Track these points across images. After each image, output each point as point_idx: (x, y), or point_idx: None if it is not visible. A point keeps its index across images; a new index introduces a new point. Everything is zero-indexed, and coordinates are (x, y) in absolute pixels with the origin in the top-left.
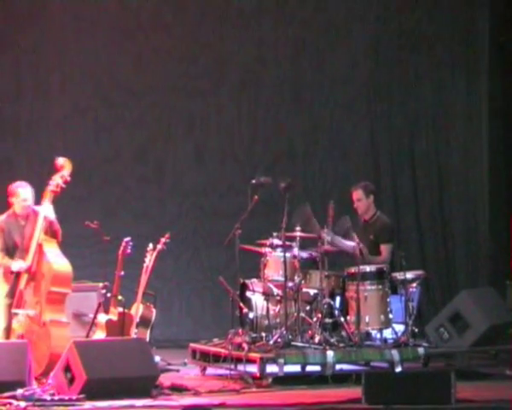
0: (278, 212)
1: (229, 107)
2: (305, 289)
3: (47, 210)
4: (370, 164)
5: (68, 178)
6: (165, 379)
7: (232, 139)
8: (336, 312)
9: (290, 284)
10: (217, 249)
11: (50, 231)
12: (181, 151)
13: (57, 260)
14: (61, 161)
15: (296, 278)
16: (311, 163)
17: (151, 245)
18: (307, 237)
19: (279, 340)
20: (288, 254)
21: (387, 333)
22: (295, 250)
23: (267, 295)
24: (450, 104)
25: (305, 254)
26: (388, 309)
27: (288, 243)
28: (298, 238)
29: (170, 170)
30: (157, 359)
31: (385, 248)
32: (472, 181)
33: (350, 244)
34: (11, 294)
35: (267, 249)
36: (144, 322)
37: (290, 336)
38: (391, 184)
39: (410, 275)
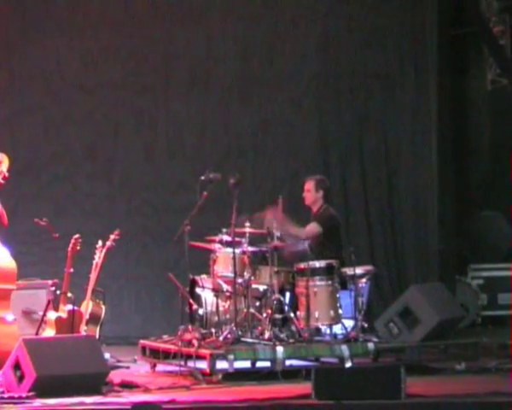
0: (227, 208)
1: (178, 103)
2: (254, 285)
3: None
4: (320, 160)
5: (6, 174)
6: (115, 376)
7: (181, 136)
8: (286, 307)
9: (240, 280)
10: (166, 246)
11: None
12: (130, 148)
13: (0, 257)
14: None
15: (246, 274)
16: (260, 159)
17: (100, 242)
18: (257, 233)
19: (229, 336)
20: (237, 250)
21: (337, 328)
22: (245, 246)
23: (217, 291)
24: (399, 99)
25: (254, 250)
26: (338, 305)
27: (237, 239)
28: (247, 234)
29: (119, 167)
30: (107, 356)
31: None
32: (421, 176)
33: (298, 230)
34: None
35: (216, 246)
36: (94, 319)
37: (240, 333)
38: (340, 180)
39: (359, 270)
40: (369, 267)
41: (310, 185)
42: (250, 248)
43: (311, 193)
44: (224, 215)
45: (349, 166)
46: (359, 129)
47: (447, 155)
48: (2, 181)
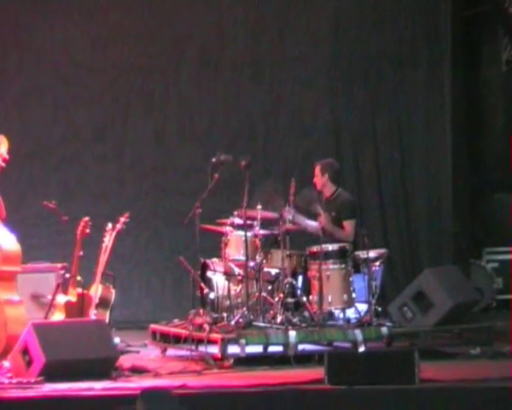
0: (239, 190)
1: (189, 85)
2: (266, 269)
3: None
4: (332, 141)
5: (6, 156)
6: (125, 361)
7: (192, 118)
8: (298, 291)
9: (251, 263)
10: (177, 229)
11: None
12: (140, 130)
13: (4, 240)
14: None
15: (257, 257)
16: (271, 141)
17: (110, 225)
18: (269, 217)
19: (240, 320)
20: (249, 234)
21: (350, 313)
22: (256, 229)
23: (228, 274)
24: (412, 80)
25: (266, 233)
26: (351, 288)
27: (249, 221)
28: (259, 217)
29: (129, 149)
30: (117, 340)
31: (348, 224)
32: (434, 158)
33: (312, 224)
34: None
35: (228, 229)
36: (103, 303)
37: (252, 317)
38: (353, 162)
39: (372, 254)
40: (382, 251)
41: (317, 170)
42: (262, 231)
43: (319, 177)
44: (235, 198)
45: (362, 148)
46: (372, 110)
47: (461, 136)
48: (2, 164)
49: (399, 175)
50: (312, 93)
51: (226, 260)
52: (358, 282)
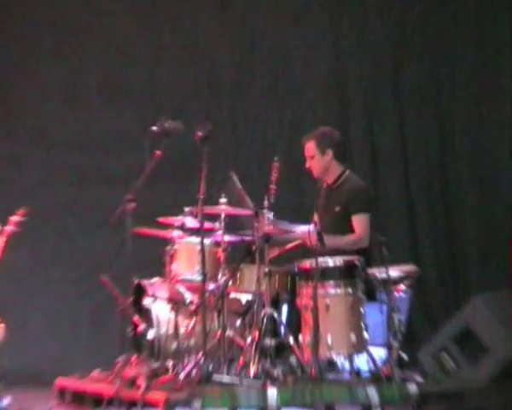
0: (192, 176)
1: (117, 17)
2: (233, 295)
3: None
4: (334, 102)
5: None
6: None
7: (123, 66)
8: (282, 328)
9: (211, 285)
10: (98, 233)
11: None
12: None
13: None
14: None
15: (221, 276)
16: (243, 103)
17: None
18: (238, 215)
19: (194, 372)
20: (207, 241)
21: (361, 361)
22: (219, 234)
23: (176, 302)
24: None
25: (234, 241)
26: (362, 324)
27: (207, 223)
28: (223, 216)
29: (27, 114)
30: (5, 402)
31: (358, 221)
32: (488, 141)
33: (302, 228)
34: None
35: (175, 233)
36: None
37: (211, 367)
38: (364, 137)
39: (395, 272)
40: (409, 268)
41: (310, 147)
42: (228, 238)
43: (316, 159)
44: (187, 187)
45: (379, 118)
46: (394, 61)
47: None
48: None
49: (438, 155)
50: (307, 24)
51: (172, 281)
52: (373, 315)
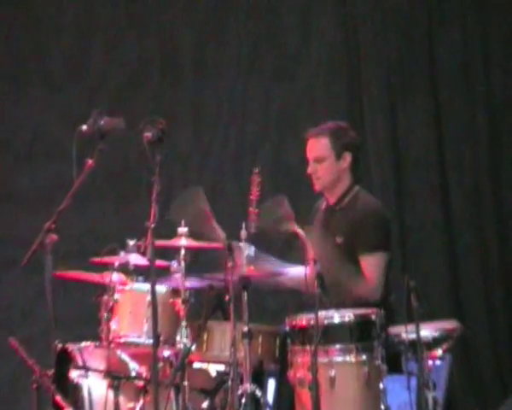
0: (139, 195)
1: None
2: (198, 365)
3: None
4: (344, 85)
5: None
6: None
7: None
8: None
9: (167, 351)
10: (5, 277)
11: None
12: None
13: None
14: None
15: (180, 338)
16: (208, 86)
17: None
18: (204, 249)
19: None
20: (161, 288)
21: None
22: (178, 276)
23: (116, 377)
24: None
25: (199, 286)
26: (382, 407)
27: (160, 261)
28: (183, 252)
29: None
30: None
31: (369, 263)
32: None
33: (295, 270)
34: None
35: (114, 276)
36: None
37: None
38: (388, 129)
39: (429, 331)
40: (450, 324)
41: (322, 146)
42: (190, 283)
43: (329, 163)
44: (131, 211)
45: (405, 106)
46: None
47: None
48: None
49: (488, 165)
50: None
51: (111, 346)
52: (398, 392)
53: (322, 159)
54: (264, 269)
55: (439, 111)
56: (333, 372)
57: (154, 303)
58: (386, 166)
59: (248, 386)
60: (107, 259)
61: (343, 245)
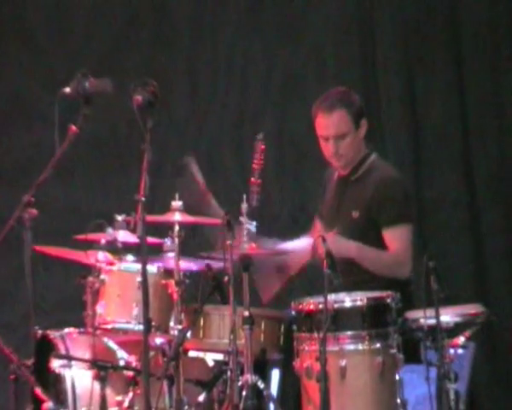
0: (129, 166)
1: None
2: (194, 354)
3: None
4: (355, 46)
5: None
6: None
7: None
8: (272, 406)
9: (159, 339)
10: None
11: None
12: None
13: None
14: None
15: (173, 324)
16: (206, 45)
17: None
18: (202, 226)
19: None
20: (152, 268)
21: None
22: (171, 256)
23: (102, 367)
24: None
25: (194, 268)
26: (398, 400)
27: (151, 238)
28: (177, 228)
29: None
30: None
31: (395, 236)
32: None
33: (300, 243)
34: None
35: (102, 256)
36: None
37: None
38: (405, 101)
39: (450, 317)
40: (473, 309)
41: (342, 120)
42: (184, 263)
43: (352, 138)
44: (119, 183)
45: (424, 74)
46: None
47: None
48: None
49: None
50: None
51: (97, 333)
52: (416, 384)
53: (345, 134)
54: (266, 246)
55: (461, 75)
56: (343, 362)
57: (144, 285)
58: (402, 136)
59: (249, 377)
60: (92, 236)
61: (360, 220)
